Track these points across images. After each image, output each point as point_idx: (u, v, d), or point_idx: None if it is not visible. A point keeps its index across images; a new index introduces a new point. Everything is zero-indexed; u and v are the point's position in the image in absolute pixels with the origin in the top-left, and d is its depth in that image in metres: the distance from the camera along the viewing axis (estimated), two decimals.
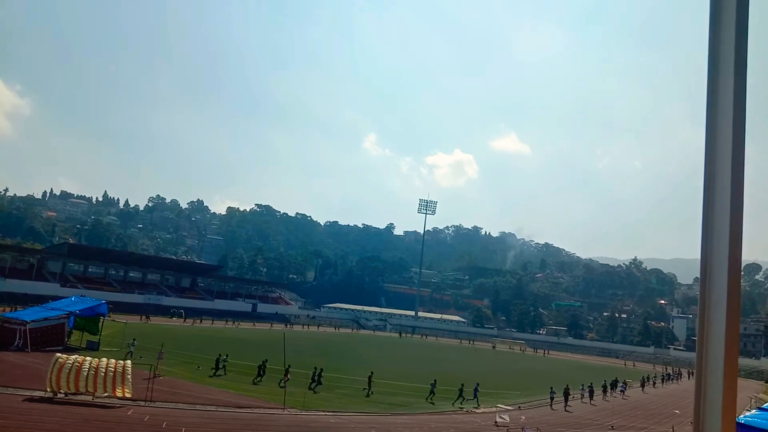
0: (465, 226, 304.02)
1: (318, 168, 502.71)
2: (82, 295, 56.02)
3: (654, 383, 58.25)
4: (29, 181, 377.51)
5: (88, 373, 23.48)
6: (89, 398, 23.70)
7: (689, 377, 70.73)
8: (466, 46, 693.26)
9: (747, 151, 1.95)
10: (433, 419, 28.29)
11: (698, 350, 1.90)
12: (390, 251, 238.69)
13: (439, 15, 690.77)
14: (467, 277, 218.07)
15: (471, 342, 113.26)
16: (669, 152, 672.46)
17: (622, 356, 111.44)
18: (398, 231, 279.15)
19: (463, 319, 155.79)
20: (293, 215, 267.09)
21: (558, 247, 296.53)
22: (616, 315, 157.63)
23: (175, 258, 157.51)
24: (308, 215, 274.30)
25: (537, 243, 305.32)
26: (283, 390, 27.90)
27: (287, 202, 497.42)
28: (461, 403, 32.77)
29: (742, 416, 8.08)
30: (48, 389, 23.34)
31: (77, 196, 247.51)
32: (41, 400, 22.82)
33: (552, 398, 37.12)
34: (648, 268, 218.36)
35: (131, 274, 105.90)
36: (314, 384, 32.76)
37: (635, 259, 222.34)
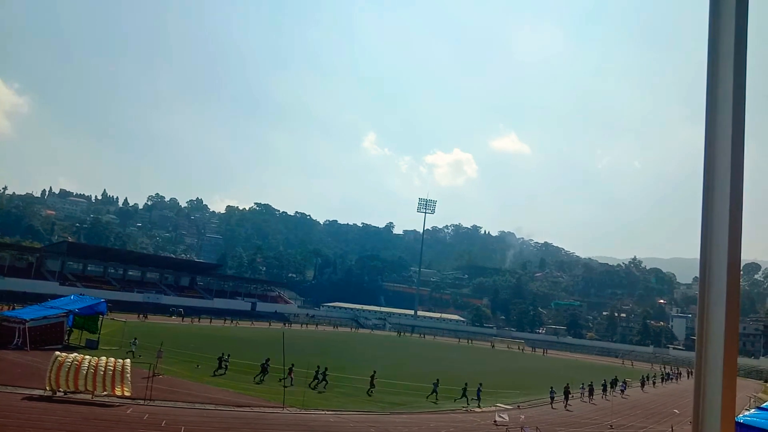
0: (464, 226, 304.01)
1: (317, 167, 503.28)
2: (81, 294, 55.74)
3: (654, 382, 58.30)
4: (28, 179, 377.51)
5: (87, 372, 23.47)
6: (88, 397, 23.70)
7: (688, 376, 70.81)
8: (466, 46, 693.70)
9: (746, 151, 1.95)
10: (432, 418, 28.33)
11: (697, 349, 1.91)
12: (389, 250, 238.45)
13: (439, 15, 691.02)
14: (466, 276, 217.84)
15: (470, 341, 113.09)
16: (668, 152, 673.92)
17: (622, 355, 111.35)
18: (397, 230, 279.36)
19: (462, 318, 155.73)
20: (292, 214, 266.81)
21: (557, 247, 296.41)
22: (616, 314, 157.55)
23: (174, 257, 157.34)
24: (308, 214, 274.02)
25: (536, 242, 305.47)
26: (283, 389, 27.93)
27: (287, 201, 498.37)
28: (466, 403, 32.65)
29: (741, 416, 8.10)
30: (47, 388, 23.34)
31: (76, 194, 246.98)
32: (40, 398, 22.82)
33: (552, 398, 37.15)
34: (647, 268, 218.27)
35: (130, 273, 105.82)
36: (319, 383, 32.77)
37: (634, 259, 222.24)
